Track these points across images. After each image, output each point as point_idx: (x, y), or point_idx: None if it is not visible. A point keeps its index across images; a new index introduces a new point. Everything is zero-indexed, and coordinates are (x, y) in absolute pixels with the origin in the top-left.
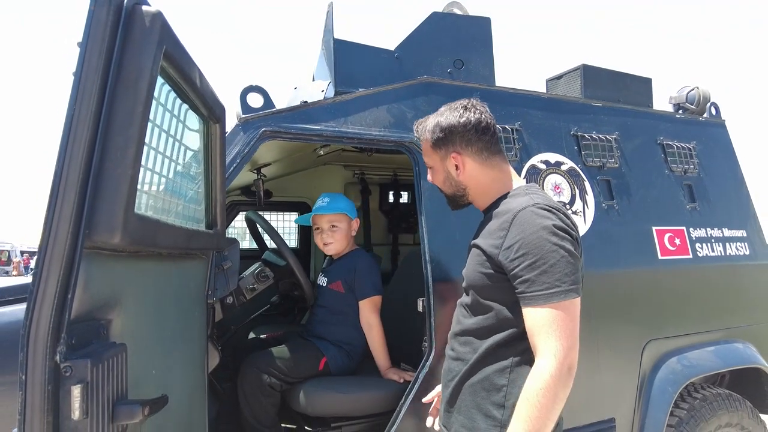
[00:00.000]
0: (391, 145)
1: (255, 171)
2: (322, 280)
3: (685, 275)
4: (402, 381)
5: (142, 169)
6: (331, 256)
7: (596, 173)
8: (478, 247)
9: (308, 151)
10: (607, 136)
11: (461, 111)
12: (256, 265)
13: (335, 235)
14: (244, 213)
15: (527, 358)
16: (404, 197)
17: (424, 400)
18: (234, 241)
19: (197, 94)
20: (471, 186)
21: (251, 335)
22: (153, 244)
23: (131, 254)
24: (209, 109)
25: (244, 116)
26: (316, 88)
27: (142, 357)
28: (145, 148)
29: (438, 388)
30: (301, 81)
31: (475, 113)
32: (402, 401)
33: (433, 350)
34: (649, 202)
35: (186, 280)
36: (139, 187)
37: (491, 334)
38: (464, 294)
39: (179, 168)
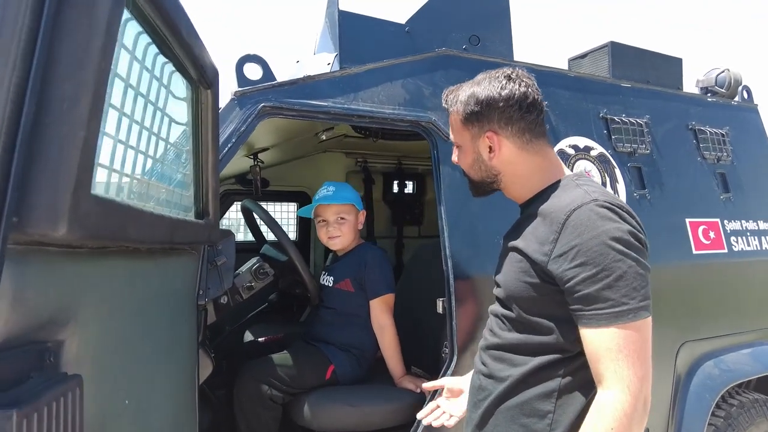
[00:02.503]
0: (406, 125)
1: (251, 156)
2: (327, 280)
3: (720, 271)
4: (419, 390)
5: (108, 140)
6: (335, 252)
7: (627, 160)
8: (520, 251)
9: (309, 134)
10: (638, 120)
11: (503, 81)
12: (254, 260)
13: (342, 229)
14: (240, 202)
15: (579, 379)
16: (409, 187)
17: (425, 386)
18: (229, 234)
19: (185, 50)
20: (505, 173)
21: (247, 336)
22: (122, 237)
23: (93, 251)
24: (200, 71)
25: (240, 89)
26: (322, 61)
27: (110, 386)
28: (115, 114)
29: (443, 381)
30: (303, 55)
31: (520, 85)
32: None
33: (455, 356)
34: (682, 192)
35: (171, 280)
36: (106, 162)
37: (536, 354)
38: (498, 303)
39: (161, 144)
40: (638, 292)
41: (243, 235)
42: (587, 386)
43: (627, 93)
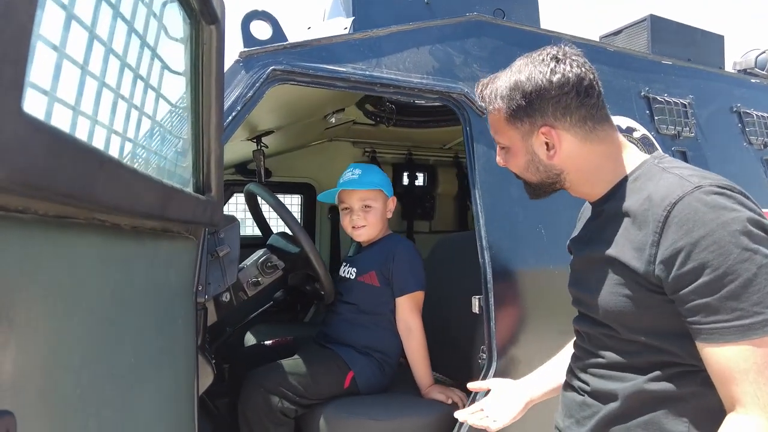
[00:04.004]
0: (434, 98)
1: (254, 140)
2: (349, 272)
3: None
4: (450, 402)
5: (73, 71)
6: (358, 242)
7: (670, 143)
8: (612, 261)
9: (317, 117)
10: (681, 100)
11: (552, 64)
12: (261, 252)
13: (369, 218)
14: (245, 186)
15: (710, 394)
16: (419, 179)
17: (470, 385)
18: (233, 220)
19: None
20: (569, 170)
21: (249, 339)
22: (84, 195)
23: (46, 220)
24: (202, 1)
25: (247, 50)
26: (338, 26)
27: (70, 416)
28: (84, 43)
29: (490, 382)
30: (315, 21)
31: (572, 66)
32: (456, 431)
33: (494, 362)
34: (729, 180)
35: (162, 270)
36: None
37: (653, 369)
38: (589, 321)
39: (150, 94)
40: None
41: (245, 229)
42: (716, 400)
43: (669, 71)
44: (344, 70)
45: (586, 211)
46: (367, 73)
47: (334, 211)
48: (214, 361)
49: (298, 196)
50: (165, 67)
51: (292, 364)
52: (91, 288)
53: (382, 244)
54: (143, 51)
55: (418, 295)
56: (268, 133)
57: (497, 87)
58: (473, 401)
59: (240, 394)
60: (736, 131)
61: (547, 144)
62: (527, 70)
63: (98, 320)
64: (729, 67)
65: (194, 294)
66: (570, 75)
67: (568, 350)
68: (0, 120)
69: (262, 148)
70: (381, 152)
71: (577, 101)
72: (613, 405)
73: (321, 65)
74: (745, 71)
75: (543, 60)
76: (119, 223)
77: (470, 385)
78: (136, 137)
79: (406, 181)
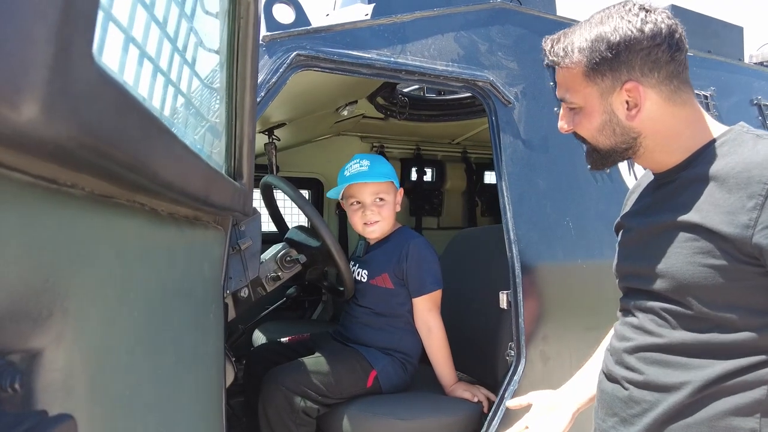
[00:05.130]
0: (459, 86)
1: (266, 133)
2: (361, 274)
3: None
4: (476, 400)
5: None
6: (367, 240)
7: None
8: (693, 226)
9: (330, 109)
10: (702, 92)
11: (642, 14)
12: (279, 246)
13: (383, 212)
14: (261, 179)
15: None
16: (428, 175)
17: (509, 404)
18: (254, 212)
19: None
20: (647, 134)
21: (257, 336)
22: (142, 165)
23: (94, 198)
24: None
25: (269, 34)
26: (358, 12)
27: (117, 425)
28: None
29: (531, 397)
30: (327, 9)
31: (664, 18)
32: (485, 429)
33: (523, 360)
34: None
35: (198, 262)
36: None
37: (725, 356)
38: (650, 297)
39: (185, 71)
40: None
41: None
42: None
43: (690, 62)
44: (369, 56)
45: (640, 187)
46: (392, 59)
47: (341, 207)
48: (234, 360)
49: (306, 191)
50: (200, 43)
51: (314, 362)
52: (139, 277)
53: (391, 241)
54: (180, 23)
55: (436, 294)
56: (280, 125)
57: (573, 41)
58: (501, 399)
59: (260, 394)
60: (756, 124)
61: (627, 103)
62: (612, 21)
63: (145, 314)
64: (746, 60)
65: (222, 288)
66: (662, 26)
67: (605, 347)
68: (75, 62)
69: (274, 141)
70: (389, 147)
71: (668, 55)
72: (674, 398)
73: (346, 51)
74: (761, 63)
75: (630, 10)
76: (157, 207)
77: (509, 403)
78: (173, 116)
79: (414, 176)
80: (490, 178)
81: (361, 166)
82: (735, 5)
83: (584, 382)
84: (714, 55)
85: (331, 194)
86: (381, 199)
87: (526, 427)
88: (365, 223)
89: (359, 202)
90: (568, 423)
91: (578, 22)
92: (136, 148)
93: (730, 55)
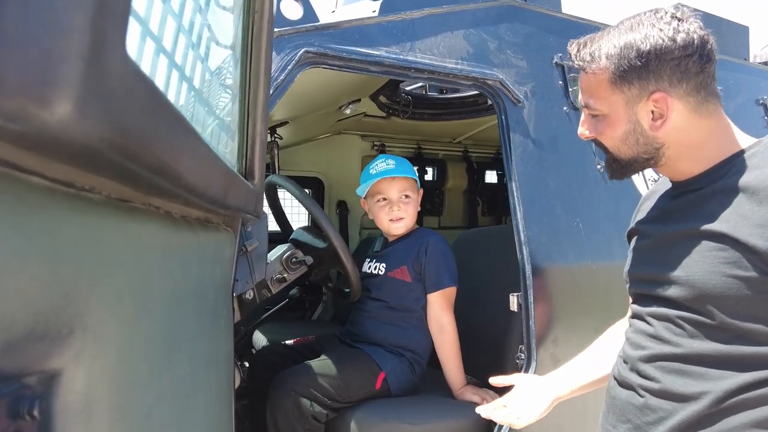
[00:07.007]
0: (468, 84)
1: (269, 131)
2: (378, 267)
3: None
4: (485, 404)
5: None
6: (384, 236)
7: None
8: (720, 236)
9: (332, 108)
10: None
11: (674, 23)
12: (284, 247)
13: (408, 209)
14: (266, 178)
15: None
16: (429, 174)
17: (492, 380)
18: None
19: None
20: (671, 144)
21: (258, 338)
22: (169, 167)
23: (115, 203)
24: None
25: (278, 30)
26: (365, 9)
27: None
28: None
29: (514, 378)
30: (335, 4)
31: (696, 28)
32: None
33: (533, 362)
34: None
35: (210, 266)
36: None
37: (747, 368)
38: (666, 305)
39: (197, 67)
40: None
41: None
42: None
43: None
44: (378, 53)
45: (656, 194)
46: (401, 57)
47: (342, 207)
48: (239, 364)
49: (307, 190)
50: (213, 38)
51: (322, 365)
52: (155, 286)
53: (411, 238)
54: (195, 17)
55: (451, 291)
56: (282, 123)
57: (601, 46)
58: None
59: (269, 400)
60: (762, 124)
61: (653, 113)
62: (643, 28)
63: (161, 324)
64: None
65: (232, 292)
66: (694, 36)
67: (602, 345)
68: (109, 56)
69: (276, 139)
70: (390, 146)
71: (698, 66)
72: (692, 408)
73: (355, 48)
74: (765, 63)
75: (662, 18)
76: (171, 210)
77: (492, 380)
78: (190, 114)
79: None
80: (491, 177)
81: (387, 164)
82: (740, 4)
83: (570, 374)
84: (720, 54)
85: (359, 191)
86: (407, 196)
87: (504, 406)
88: (391, 219)
89: (386, 199)
90: (546, 409)
91: (584, 20)
92: (165, 149)
93: (736, 54)
